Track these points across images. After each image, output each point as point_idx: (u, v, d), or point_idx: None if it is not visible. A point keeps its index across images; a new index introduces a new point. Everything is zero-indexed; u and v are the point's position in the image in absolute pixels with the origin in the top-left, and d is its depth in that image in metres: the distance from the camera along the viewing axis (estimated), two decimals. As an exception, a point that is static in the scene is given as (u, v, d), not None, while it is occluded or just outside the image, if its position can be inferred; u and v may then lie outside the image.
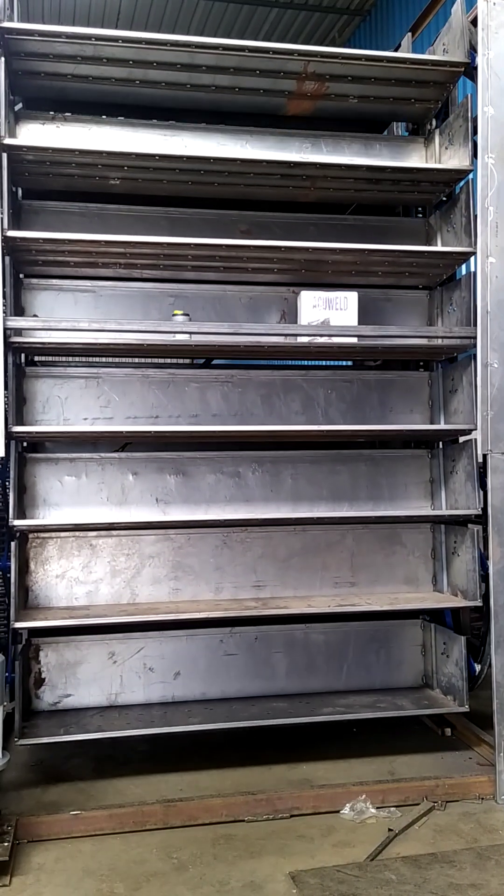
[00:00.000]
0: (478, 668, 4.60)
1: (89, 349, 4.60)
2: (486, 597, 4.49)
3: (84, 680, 4.87)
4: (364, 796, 4.10)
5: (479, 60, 4.32)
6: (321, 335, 4.60)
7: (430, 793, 4.20)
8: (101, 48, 4.26)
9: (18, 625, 4.36)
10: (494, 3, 4.32)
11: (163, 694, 4.96)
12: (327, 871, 3.49)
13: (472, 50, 4.47)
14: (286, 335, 4.65)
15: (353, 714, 4.76)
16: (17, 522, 4.39)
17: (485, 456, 4.39)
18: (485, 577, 4.53)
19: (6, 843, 3.60)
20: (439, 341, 4.75)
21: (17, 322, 4.28)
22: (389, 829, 3.87)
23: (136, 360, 5.31)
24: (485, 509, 4.48)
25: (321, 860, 3.63)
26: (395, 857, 3.63)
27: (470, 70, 4.50)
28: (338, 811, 4.07)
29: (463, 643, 4.73)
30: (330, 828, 3.94)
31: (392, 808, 4.09)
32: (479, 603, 4.65)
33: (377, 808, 4.07)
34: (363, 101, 4.77)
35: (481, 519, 4.64)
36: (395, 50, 5.22)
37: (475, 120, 4.43)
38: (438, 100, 4.86)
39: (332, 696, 5.01)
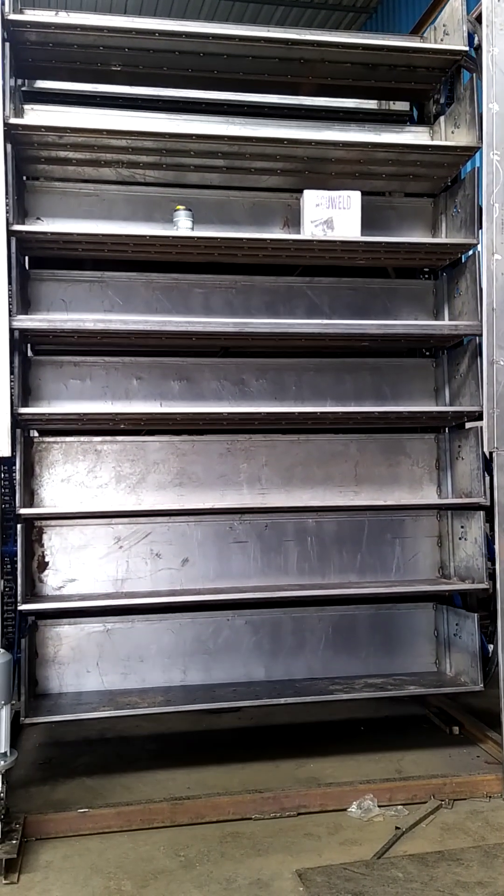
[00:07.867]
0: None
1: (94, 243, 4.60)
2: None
3: (89, 565, 4.85)
4: (371, 794, 4.09)
5: (484, 57, 4.33)
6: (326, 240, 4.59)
7: (438, 791, 4.18)
8: None
9: (23, 511, 4.37)
10: (500, 0, 4.32)
11: (171, 581, 4.93)
12: (334, 868, 3.49)
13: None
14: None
15: (366, 589, 4.84)
16: (22, 410, 4.38)
17: (491, 453, 4.41)
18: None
19: (14, 841, 3.59)
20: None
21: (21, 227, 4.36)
22: (396, 828, 3.86)
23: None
24: (491, 506, 4.46)
25: (328, 858, 3.62)
26: (402, 855, 3.62)
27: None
28: (345, 809, 4.06)
29: (482, 519, 4.68)
30: (337, 826, 3.93)
31: (399, 807, 4.08)
32: (484, 501, 4.63)
33: (384, 806, 4.07)
34: None
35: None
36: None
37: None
38: None
39: (346, 585, 5.03)
